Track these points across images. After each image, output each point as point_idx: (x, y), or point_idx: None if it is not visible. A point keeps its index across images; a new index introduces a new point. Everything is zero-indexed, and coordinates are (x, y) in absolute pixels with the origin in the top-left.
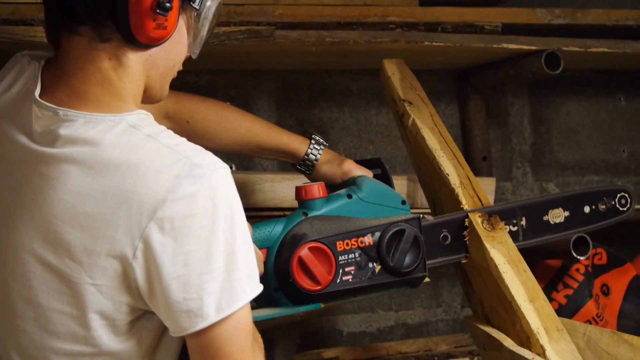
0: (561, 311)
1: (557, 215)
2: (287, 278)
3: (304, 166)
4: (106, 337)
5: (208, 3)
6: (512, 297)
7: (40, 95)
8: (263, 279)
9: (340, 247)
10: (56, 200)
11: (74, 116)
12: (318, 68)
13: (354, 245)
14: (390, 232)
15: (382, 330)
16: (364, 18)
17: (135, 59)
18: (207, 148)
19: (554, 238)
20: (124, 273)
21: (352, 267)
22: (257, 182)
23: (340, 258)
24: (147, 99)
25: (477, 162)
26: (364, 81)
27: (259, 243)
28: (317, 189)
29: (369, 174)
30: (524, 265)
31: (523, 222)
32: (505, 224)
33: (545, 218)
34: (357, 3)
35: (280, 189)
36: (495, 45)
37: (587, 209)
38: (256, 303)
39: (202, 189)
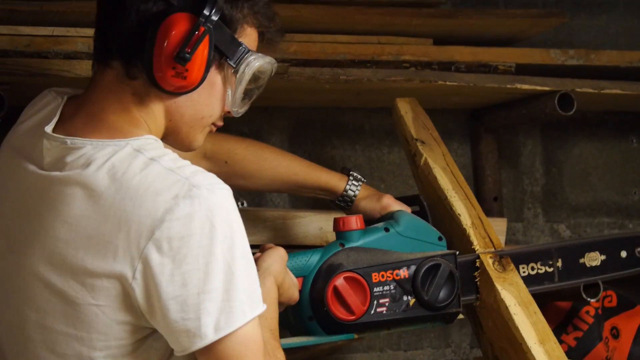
0: (571, 353)
1: (593, 259)
2: (322, 307)
3: (342, 202)
4: (112, 359)
5: (248, 61)
6: (523, 338)
7: (57, 125)
8: (298, 307)
9: (375, 279)
10: (60, 223)
11: (82, 143)
12: (331, 105)
13: (390, 277)
14: (426, 266)
15: None
16: (378, 56)
17: (157, 102)
18: (246, 188)
19: (589, 281)
20: (124, 293)
21: (387, 299)
22: (268, 219)
23: (375, 289)
24: (176, 144)
25: (488, 203)
26: (377, 119)
27: (295, 271)
28: (354, 221)
29: (407, 209)
30: (534, 307)
31: (559, 264)
32: (541, 265)
33: (581, 261)
34: (371, 41)
35: (291, 226)
36: (508, 86)
37: (624, 254)
38: (290, 332)
39: (200, 210)
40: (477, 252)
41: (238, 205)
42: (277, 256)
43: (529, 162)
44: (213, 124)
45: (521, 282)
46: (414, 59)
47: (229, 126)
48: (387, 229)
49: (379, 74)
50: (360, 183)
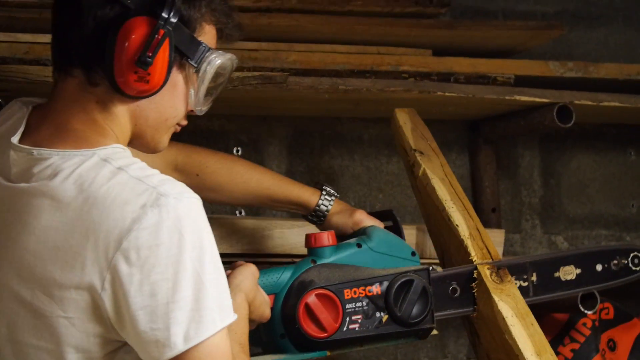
0: None
1: (568, 272)
2: (294, 324)
3: (315, 217)
4: None
5: (210, 59)
6: (520, 350)
7: (23, 136)
8: (270, 324)
9: (347, 295)
10: (27, 234)
11: (48, 154)
12: (330, 115)
13: (362, 293)
14: (399, 282)
15: None
16: (377, 67)
17: (121, 107)
18: (218, 201)
19: (565, 295)
20: (94, 304)
21: (359, 316)
22: (266, 229)
23: (347, 306)
24: (141, 147)
25: (486, 214)
26: (375, 129)
27: (266, 289)
28: (326, 237)
29: (380, 225)
30: (531, 318)
31: (534, 278)
32: (516, 279)
33: (556, 275)
34: (370, 52)
35: (290, 235)
36: (507, 97)
37: (599, 267)
38: (262, 349)
39: (168, 218)
40: (474, 262)
41: (236, 214)
42: (248, 273)
43: (527, 173)
44: (178, 123)
45: (518, 293)
46: (413, 70)
47: (228, 135)
48: (359, 245)
49: (378, 84)
50: (333, 198)
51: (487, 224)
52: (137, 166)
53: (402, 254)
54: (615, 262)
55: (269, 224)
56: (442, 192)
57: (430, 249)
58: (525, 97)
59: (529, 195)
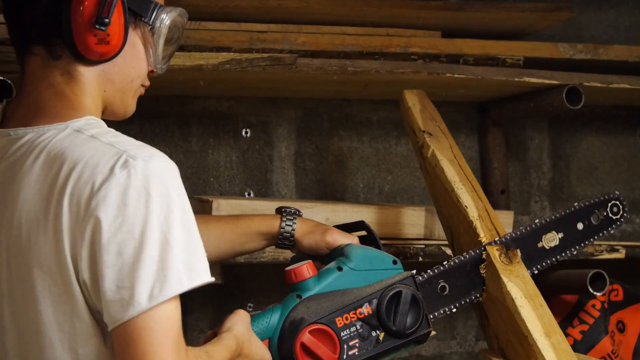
0: (576, 347)
1: (551, 239)
2: None
3: (285, 240)
4: (81, 339)
5: (162, 16)
6: (529, 331)
7: (2, 126)
8: None
9: (340, 323)
10: (12, 210)
11: (24, 132)
12: (339, 97)
13: (354, 317)
14: (387, 297)
15: None
16: (386, 48)
17: (87, 74)
18: None
19: (553, 262)
20: (75, 269)
21: (356, 340)
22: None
23: (342, 334)
24: (112, 114)
25: (495, 195)
26: (384, 111)
27: (260, 335)
28: (306, 270)
29: (354, 239)
30: (540, 299)
31: (518, 254)
32: None
33: (539, 245)
34: (379, 33)
35: None
36: (516, 79)
37: (580, 226)
38: None
39: (136, 179)
40: (483, 244)
41: (244, 196)
42: (237, 318)
43: (536, 155)
44: (142, 84)
45: (527, 274)
46: (422, 51)
47: (237, 117)
48: (340, 268)
49: (387, 65)
50: (294, 217)
51: (496, 205)
52: (110, 134)
53: (384, 266)
54: (594, 216)
55: (277, 205)
56: (451, 173)
57: (439, 230)
58: (534, 79)
59: (538, 177)
